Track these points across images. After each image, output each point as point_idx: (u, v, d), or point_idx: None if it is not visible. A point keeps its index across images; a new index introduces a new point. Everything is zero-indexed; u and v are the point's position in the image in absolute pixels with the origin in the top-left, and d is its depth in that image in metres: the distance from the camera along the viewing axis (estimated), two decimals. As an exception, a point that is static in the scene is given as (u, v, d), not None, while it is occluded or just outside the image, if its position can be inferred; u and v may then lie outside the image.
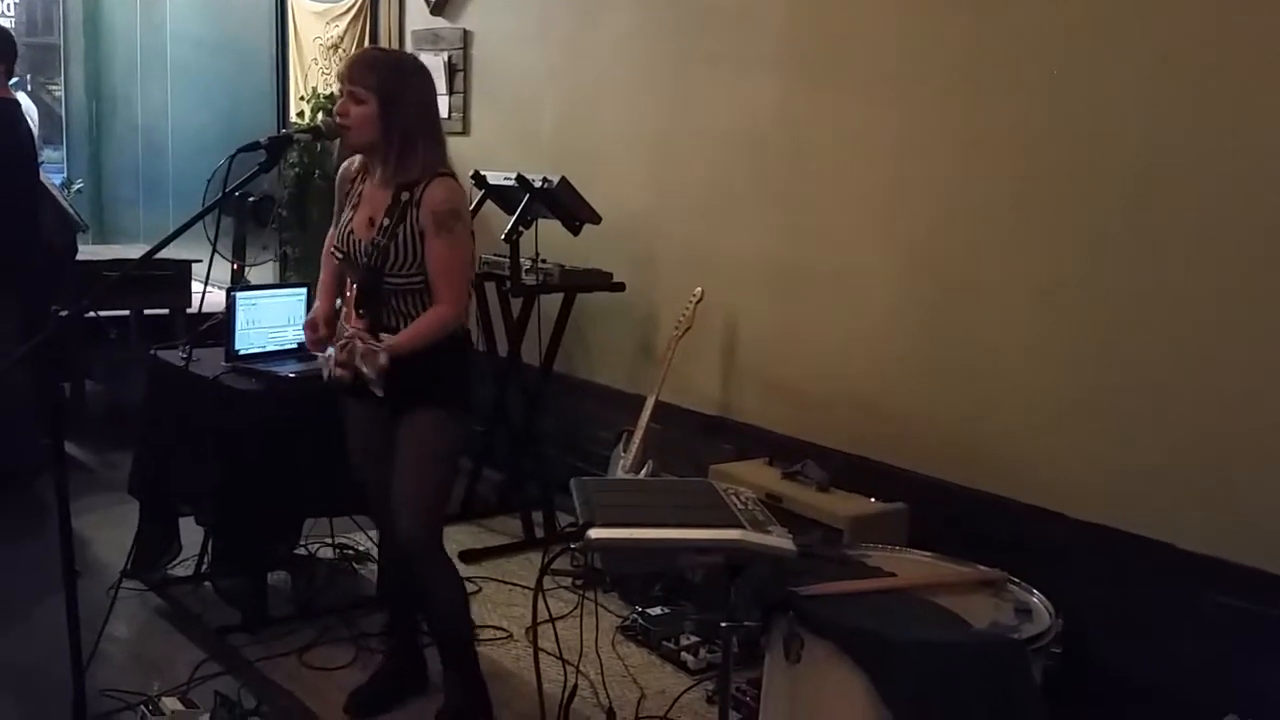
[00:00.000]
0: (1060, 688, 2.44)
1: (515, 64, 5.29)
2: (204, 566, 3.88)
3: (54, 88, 10.01)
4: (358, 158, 2.93)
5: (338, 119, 2.79)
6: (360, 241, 2.83)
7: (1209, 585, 2.91)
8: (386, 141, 2.77)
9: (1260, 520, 2.83)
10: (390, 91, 2.74)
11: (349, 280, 2.92)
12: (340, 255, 2.90)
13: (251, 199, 5.37)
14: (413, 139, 2.77)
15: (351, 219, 2.87)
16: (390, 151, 2.78)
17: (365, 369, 2.66)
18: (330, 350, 2.88)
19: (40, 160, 7.62)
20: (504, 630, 3.66)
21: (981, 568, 2.64)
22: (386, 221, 2.77)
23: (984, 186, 3.42)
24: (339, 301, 3.04)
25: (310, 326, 2.93)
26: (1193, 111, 2.93)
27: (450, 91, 5.60)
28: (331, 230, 3.04)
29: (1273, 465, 2.82)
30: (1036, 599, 2.50)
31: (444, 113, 5.61)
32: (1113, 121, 3.09)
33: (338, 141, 2.94)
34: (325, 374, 2.91)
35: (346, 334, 2.76)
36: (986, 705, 2.18)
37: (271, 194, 5.39)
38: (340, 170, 3.01)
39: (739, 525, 2.25)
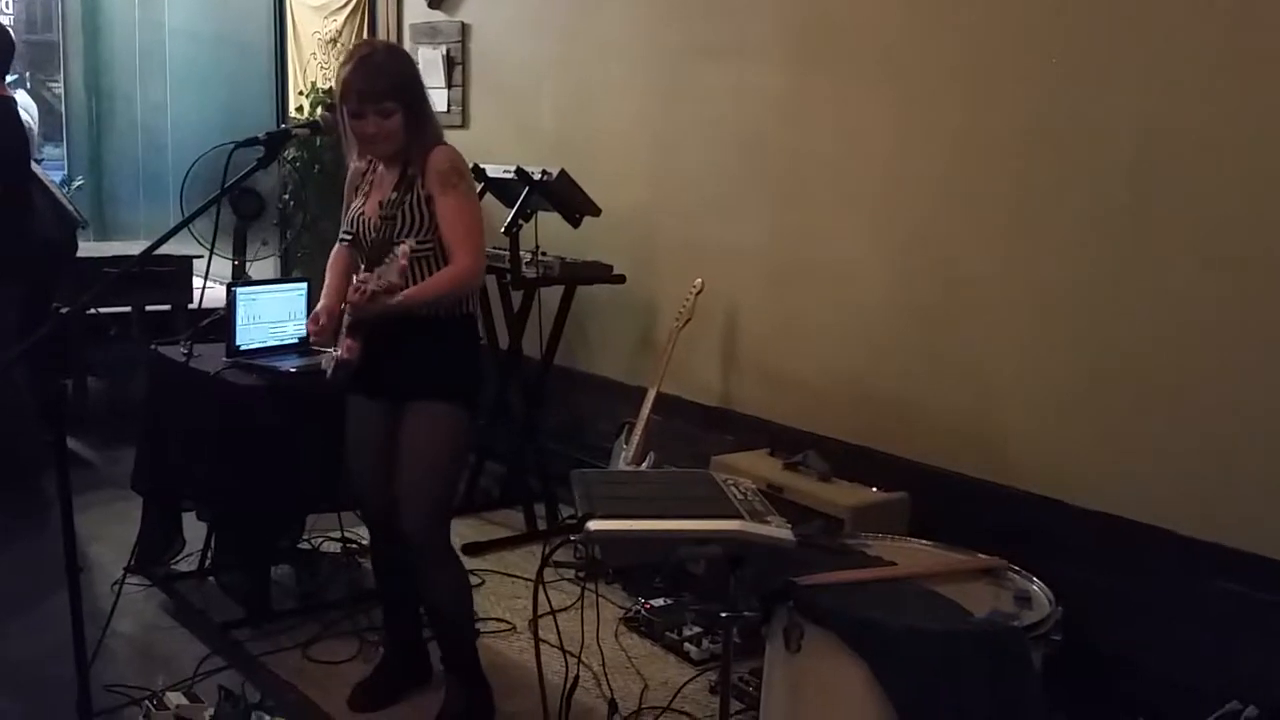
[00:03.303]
0: (1061, 675, 2.44)
1: (514, 57, 5.28)
2: (207, 561, 3.89)
3: (54, 85, 10.01)
4: (352, 155, 2.97)
5: (369, 140, 2.82)
6: (369, 219, 2.88)
7: (1210, 572, 2.92)
8: (410, 138, 2.83)
9: (1262, 507, 2.84)
10: (409, 95, 2.81)
11: (358, 265, 2.93)
12: (350, 236, 2.94)
13: (234, 193, 5.32)
14: (426, 124, 2.86)
15: (363, 205, 2.93)
16: (413, 144, 2.84)
17: (383, 281, 2.63)
18: (332, 351, 2.91)
19: (40, 158, 7.62)
20: (507, 622, 3.67)
21: (981, 556, 2.64)
22: (394, 194, 2.84)
23: (984, 177, 3.41)
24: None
25: (313, 319, 2.95)
26: (1192, 104, 2.92)
27: (449, 85, 5.60)
28: (337, 245, 3.08)
29: (1274, 452, 2.82)
30: (1036, 587, 2.51)
31: (443, 106, 5.62)
32: (1111, 114, 3.08)
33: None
34: (329, 373, 2.92)
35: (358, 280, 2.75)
36: (986, 693, 2.19)
37: (255, 188, 5.34)
38: (350, 175, 3.05)
39: (738, 516, 2.26)
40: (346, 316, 2.83)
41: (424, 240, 2.82)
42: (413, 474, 2.88)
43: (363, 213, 2.92)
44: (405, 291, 2.73)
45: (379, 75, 2.78)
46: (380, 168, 2.94)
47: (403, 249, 2.69)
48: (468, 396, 2.94)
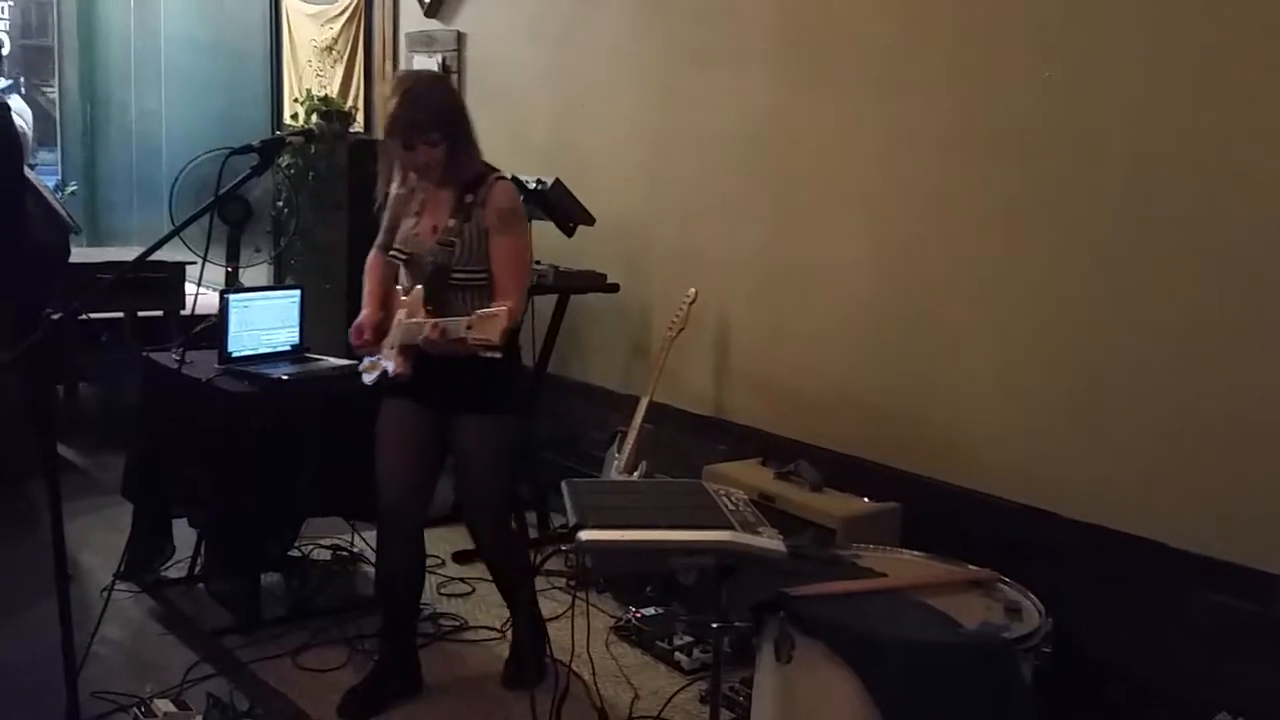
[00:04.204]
0: (1051, 687, 2.44)
1: (509, 66, 5.29)
2: (197, 568, 3.88)
3: (49, 90, 10.00)
4: (397, 182, 3.12)
5: (422, 170, 2.98)
6: (426, 243, 3.01)
7: (1200, 584, 2.92)
8: (452, 164, 2.98)
9: (1251, 519, 2.84)
10: (454, 126, 2.97)
11: (409, 281, 3.06)
12: (405, 256, 3.06)
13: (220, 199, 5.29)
14: (468, 149, 3.02)
15: (416, 225, 3.06)
16: (454, 168, 2.99)
17: (483, 335, 2.68)
18: (370, 358, 3.09)
19: (34, 163, 7.59)
20: (496, 630, 3.66)
21: (972, 567, 2.65)
22: (453, 222, 2.98)
23: (976, 186, 3.42)
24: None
25: (358, 331, 3.08)
26: (1185, 110, 2.93)
27: (444, 93, 5.59)
28: (373, 252, 3.21)
29: (1264, 464, 2.82)
30: (1026, 598, 2.51)
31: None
32: (1104, 121, 3.09)
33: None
34: (371, 378, 3.09)
35: (429, 321, 2.86)
36: (976, 705, 2.19)
37: (241, 194, 5.32)
38: (395, 196, 3.15)
39: (729, 526, 2.26)
40: (400, 336, 2.97)
41: (478, 271, 2.98)
42: (473, 482, 3.11)
43: (417, 234, 3.05)
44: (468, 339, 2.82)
45: (421, 107, 2.92)
46: (429, 188, 3.07)
47: (505, 320, 2.71)
48: (515, 406, 3.20)
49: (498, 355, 2.73)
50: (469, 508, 3.17)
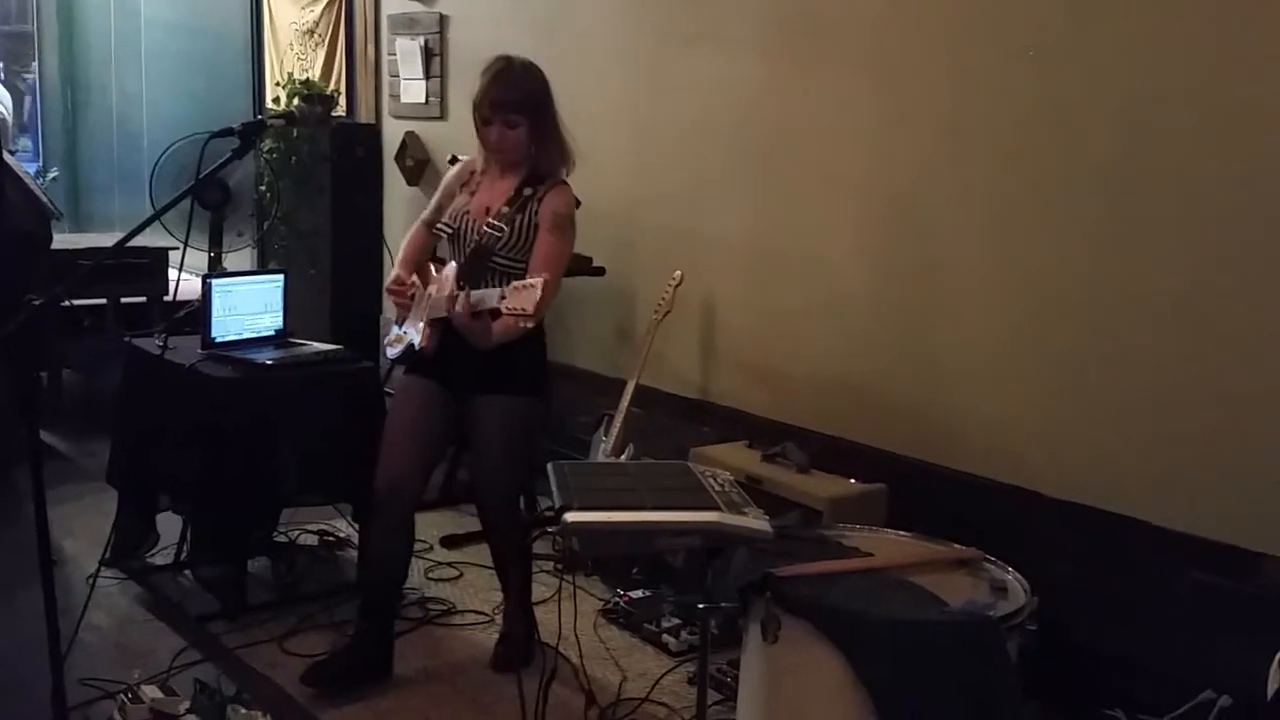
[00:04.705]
0: (1037, 665, 2.45)
1: (492, 47, 5.18)
2: (183, 555, 3.87)
3: (29, 76, 9.91)
4: (478, 159, 3.17)
5: (493, 148, 3.06)
6: (475, 222, 3.08)
7: (1185, 562, 2.93)
8: (536, 154, 3.08)
9: (1236, 497, 2.85)
10: (536, 113, 3.05)
11: (448, 257, 3.15)
12: (450, 231, 3.13)
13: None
14: (553, 145, 3.11)
15: (469, 203, 3.13)
16: (534, 158, 3.09)
17: (518, 304, 2.71)
18: (397, 330, 3.15)
19: (14, 149, 7.53)
20: (484, 614, 3.66)
21: (958, 546, 2.65)
22: (506, 209, 3.06)
23: (965, 169, 3.42)
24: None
25: (399, 282, 3.16)
26: (1176, 90, 2.93)
27: (427, 76, 5.57)
28: (417, 225, 3.30)
29: (1249, 443, 2.83)
30: (1012, 577, 2.51)
31: (421, 98, 5.60)
32: (1096, 101, 3.09)
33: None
34: (395, 351, 3.15)
35: (460, 293, 2.88)
36: (962, 682, 2.19)
37: (219, 178, 5.26)
38: (461, 166, 3.27)
39: (715, 507, 2.26)
40: (430, 309, 3.03)
41: (519, 260, 3.05)
42: (490, 462, 3.14)
43: (468, 212, 3.11)
44: (495, 326, 2.89)
45: (510, 88, 3.01)
46: (493, 169, 3.13)
47: (540, 291, 2.74)
48: (538, 389, 3.20)
49: (530, 325, 2.79)
50: (483, 487, 3.19)
